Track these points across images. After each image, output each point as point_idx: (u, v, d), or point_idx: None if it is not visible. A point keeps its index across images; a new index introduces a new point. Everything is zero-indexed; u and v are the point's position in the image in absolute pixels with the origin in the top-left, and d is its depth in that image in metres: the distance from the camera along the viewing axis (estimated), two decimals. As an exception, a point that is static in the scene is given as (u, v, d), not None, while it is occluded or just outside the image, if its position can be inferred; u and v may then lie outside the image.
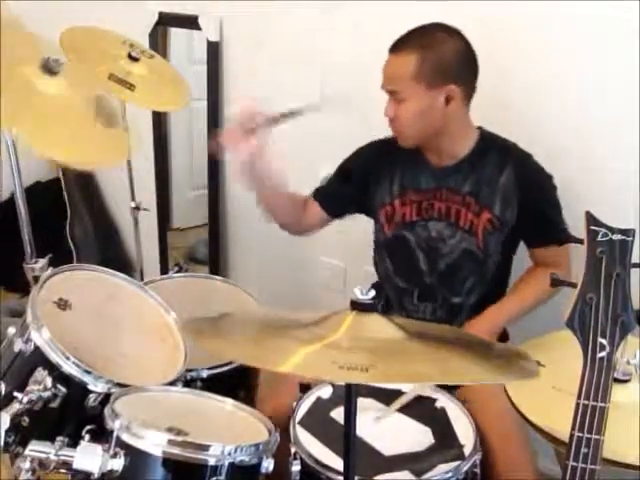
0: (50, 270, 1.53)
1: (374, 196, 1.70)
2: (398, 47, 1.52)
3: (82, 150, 1.53)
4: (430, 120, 1.54)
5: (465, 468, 1.26)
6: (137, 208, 2.24)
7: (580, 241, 1.06)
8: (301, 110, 1.49)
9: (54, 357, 1.31)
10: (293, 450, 1.29)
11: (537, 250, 1.66)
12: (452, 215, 1.61)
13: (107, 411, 1.23)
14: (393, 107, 1.54)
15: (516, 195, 1.57)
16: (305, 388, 1.44)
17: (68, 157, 1.49)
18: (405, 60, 1.50)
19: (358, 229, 1.79)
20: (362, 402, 1.39)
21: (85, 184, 2.92)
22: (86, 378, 1.32)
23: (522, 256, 1.69)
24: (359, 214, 1.77)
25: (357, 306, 1.00)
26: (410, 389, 1.45)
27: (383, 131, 1.63)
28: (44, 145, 1.42)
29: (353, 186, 1.72)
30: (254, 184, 1.61)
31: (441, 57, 1.49)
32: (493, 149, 1.60)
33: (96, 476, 1.15)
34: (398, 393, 1.44)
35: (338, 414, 1.37)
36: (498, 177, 1.58)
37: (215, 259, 2.63)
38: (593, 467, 0.98)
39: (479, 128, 1.63)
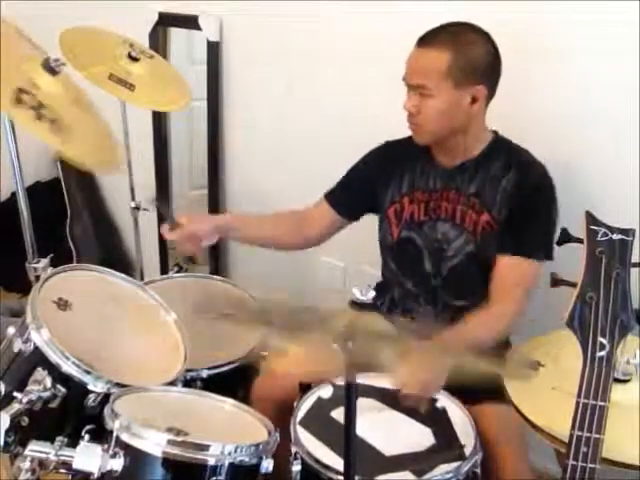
0: (50, 270, 1.53)
1: (384, 194, 1.68)
2: (429, 41, 1.49)
3: (77, 147, 1.51)
4: (454, 118, 1.52)
5: (466, 468, 1.27)
6: (137, 208, 2.24)
7: (580, 241, 1.06)
8: None
9: (54, 357, 1.32)
10: (293, 450, 1.29)
11: (501, 258, 1.53)
12: (457, 216, 1.60)
13: (107, 411, 1.23)
14: (416, 101, 1.51)
15: (513, 198, 1.55)
16: (305, 388, 1.44)
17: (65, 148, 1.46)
18: (437, 56, 1.46)
19: (358, 229, 1.79)
20: (362, 402, 1.39)
21: (85, 184, 2.91)
22: (86, 378, 1.33)
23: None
24: (370, 213, 1.74)
25: (356, 306, 1.00)
26: None
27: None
28: (44, 133, 1.40)
29: (363, 184, 1.71)
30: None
31: (473, 57, 1.48)
32: (502, 153, 1.59)
33: (96, 476, 1.15)
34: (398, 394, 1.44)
35: (338, 414, 1.37)
36: (500, 180, 1.56)
37: (215, 259, 2.63)
38: (593, 466, 0.98)
39: (494, 132, 1.62)
